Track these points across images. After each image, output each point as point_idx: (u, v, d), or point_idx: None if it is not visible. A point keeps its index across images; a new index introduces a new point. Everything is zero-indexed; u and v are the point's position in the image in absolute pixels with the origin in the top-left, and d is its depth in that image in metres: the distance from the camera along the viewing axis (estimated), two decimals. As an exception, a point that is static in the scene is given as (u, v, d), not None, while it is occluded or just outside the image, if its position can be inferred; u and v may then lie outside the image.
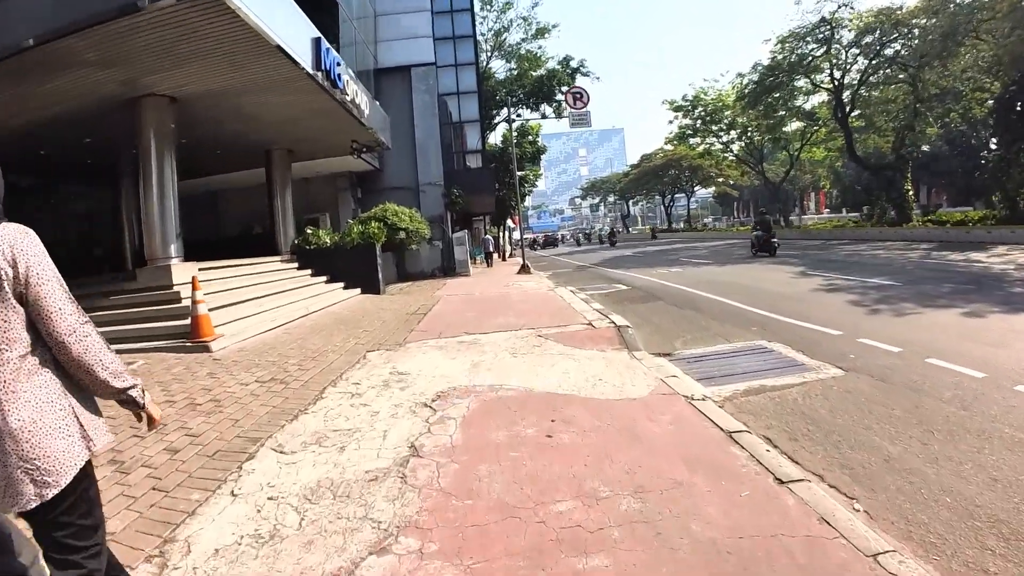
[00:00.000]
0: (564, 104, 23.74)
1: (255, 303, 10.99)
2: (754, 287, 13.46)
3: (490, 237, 45.20)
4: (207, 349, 8.01)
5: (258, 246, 16.32)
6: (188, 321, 8.36)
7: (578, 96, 23.50)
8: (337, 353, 7.74)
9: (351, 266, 15.64)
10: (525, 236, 66.73)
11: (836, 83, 36.89)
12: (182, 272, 10.25)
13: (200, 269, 10.92)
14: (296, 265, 15.63)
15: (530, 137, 33.40)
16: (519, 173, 24.80)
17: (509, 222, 47.00)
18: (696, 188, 78.19)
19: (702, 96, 51.70)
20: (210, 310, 9.21)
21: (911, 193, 38.64)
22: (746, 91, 40.11)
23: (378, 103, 18.07)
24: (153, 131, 10.89)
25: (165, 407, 5.48)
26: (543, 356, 6.94)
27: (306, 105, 12.61)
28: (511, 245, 44.27)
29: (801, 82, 39.56)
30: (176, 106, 11.26)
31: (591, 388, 5.59)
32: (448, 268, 23.01)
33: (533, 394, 5.44)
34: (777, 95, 40.29)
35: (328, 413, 5.15)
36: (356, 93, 13.67)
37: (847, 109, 37.21)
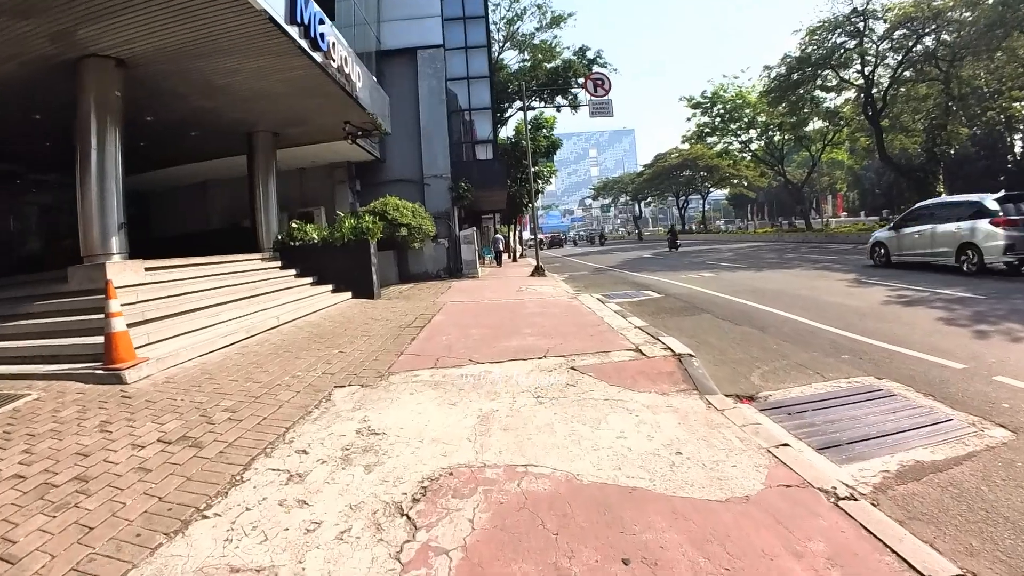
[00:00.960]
0: (584, 92, 21.55)
1: (210, 312, 8.91)
2: (812, 297, 11.32)
3: (500, 236, 43.26)
4: (120, 379, 5.93)
5: (246, 241, 14.31)
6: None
7: (599, 83, 21.37)
8: (293, 389, 5.64)
9: (341, 266, 13.58)
10: (539, 236, 65.00)
11: (866, 79, 34.59)
12: (122, 272, 8.20)
13: (148, 269, 8.88)
14: (279, 264, 13.59)
15: (544, 131, 31.20)
16: (532, 168, 22.67)
17: (520, 220, 44.92)
18: (711, 189, 75.82)
19: (721, 93, 49.47)
20: (142, 323, 7.15)
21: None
22: (773, 84, 37.77)
23: (376, 80, 16.01)
24: (93, 99, 8.82)
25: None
26: (583, 404, 4.82)
27: (284, 74, 10.55)
28: (521, 245, 42.12)
29: (829, 79, 37.26)
30: (124, 72, 9.20)
31: (670, 473, 3.50)
32: (454, 269, 20.93)
33: (580, 488, 3.33)
34: (802, 91, 38.06)
35: (238, 523, 3.06)
36: (346, 60, 11.59)
37: (878, 107, 34.90)
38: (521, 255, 40.03)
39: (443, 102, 21.03)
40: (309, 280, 13.24)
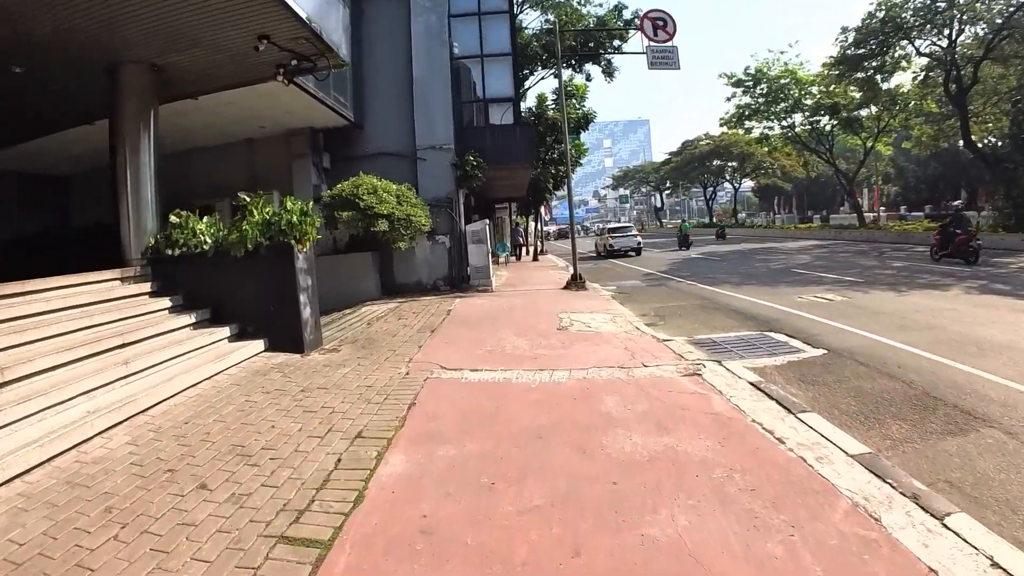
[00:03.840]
0: (642, 36, 15.36)
1: None
2: None
3: (520, 229, 37.12)
4: None
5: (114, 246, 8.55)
6: None
7: (660, 24, 15.26)
8: None
9: (249, 292, 7.72)
10: (547, 228, 57.75)
11: (951, 49, 28.25)
12: None
13: None
14: (148, 288, 7.76)
15: (575, 101, 24.99)
16: (568, 137, 16.62)
17: (542, 209, 38.61)
18: (744, 179, 69.47)
19: (765, 70, 43.04)
20: None
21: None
22: (847, 52, 31.38)
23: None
24: None
25: None
26: None
27: None
28: (541, 240, 35.75)
29: (906, 48, 30.98)
30: None
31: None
32: (458, 279, 14.90)
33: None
34: (875, 63, 31.82)
35: None
36: None
37: (966, 84, 28.55)
38: (542, 251, 33.85)
39: (444, 45, 14.95)
40: (191, 319, 7.42)
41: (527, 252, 32.60)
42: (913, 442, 4.41)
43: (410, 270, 14.64)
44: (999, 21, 26.41)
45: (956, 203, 35.54)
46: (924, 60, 31.28)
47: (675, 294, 13.98)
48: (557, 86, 25.88)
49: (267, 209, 7.55)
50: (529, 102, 27.09)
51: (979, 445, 4.27)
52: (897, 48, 31.22)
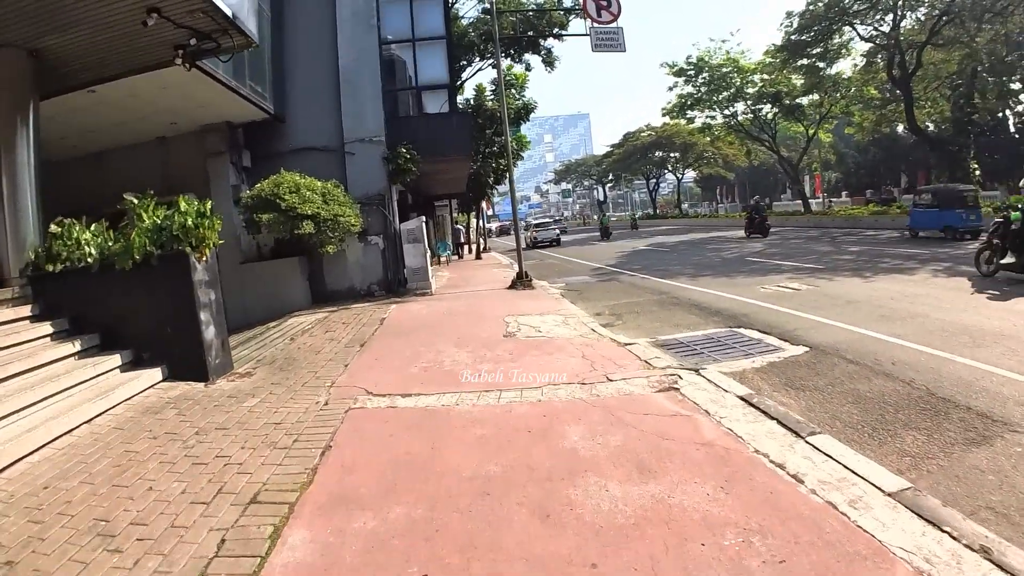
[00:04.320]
0: (586, 17, 14.65)
1: None
2: None
3: (461, 227, 36.15)
4: None
5: None
6: None
7: (604, 4, 14.59)
8: None
9: (142, 312, 6.63)
10: (489, 225, 56.41)
11: (893, 37, 28.73)
12: None
13: None
14: (28, 311, 6.58)
15: (514, 91, 24.14)
16: (507, 127, 15.79)
17: (483, 205, 37.61)
18: (687, 169, 69.99)
19: (707, 59, 43.23)
20: None
21: (978, 173, 31.18)
22: (792, 38, 31.51)
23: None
24: None
25: None
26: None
27: None
28: (482, 237, 34.80)
29: (849, 32, 31.38)
30: None
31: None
32: (394, 282, 13.88)
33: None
34: (819, 50, 32.18)
35: None
36: None
37: (910, 69, 29.09)
38: (485, 249, 32.97)
39: (373, 30, 13.86)
40: (76, 347, 6.29)
41: (470, 251, 31.72)
42: (936, 458, 3.81)
43: (342, 275, 13.57)
44: (940, 6, 26.90)
45: (894, 189, 36.60)
46: (866, 46, 31.95)
47: (629, 289, 13.40)
48: (496, 76, 25.18)
49: (158, 212, 6.46)
50: (467, 93, 26.13)
51: (1010, 456, 3.72)
52: (839, 34, 31.65)
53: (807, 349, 6.71)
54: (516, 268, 14.58)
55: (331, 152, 13.71)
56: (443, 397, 5.47)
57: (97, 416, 5.40)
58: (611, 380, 5.59)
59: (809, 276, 12.59)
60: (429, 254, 14.29)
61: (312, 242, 11.68)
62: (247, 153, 13.77)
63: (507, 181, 29.25)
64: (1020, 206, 10.18)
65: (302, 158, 13.57)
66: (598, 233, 41.51)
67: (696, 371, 5.76)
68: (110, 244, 6.62)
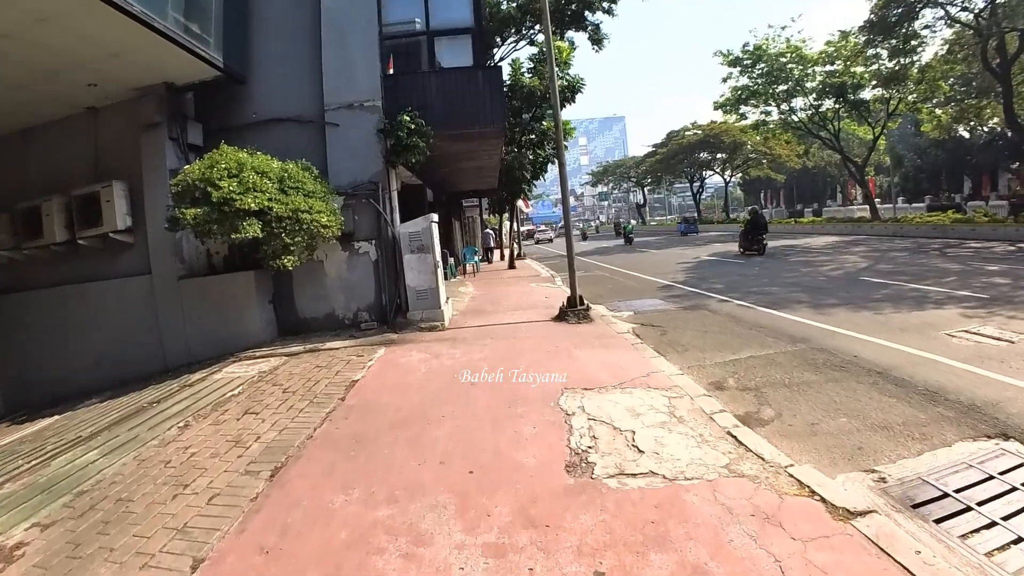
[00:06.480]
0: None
1: None
2: None
3: (491, 230, 31.95)
4: None
5: None
6: None
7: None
8: None
9: None
10: (524, 228, 51.59)
11: (993, 15, 23.90)
12: None
13: None
14: None
15: (558, 69, 19.99)
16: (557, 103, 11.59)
17: (520, 204, 33.11)
18: (737, 170, 65.11)
19: (765, 47, 38.71)
20: None
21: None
22: (881, 10, 26.77)
23: None
24: None
25: None
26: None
27: None
28: (516, 242, 30.15)
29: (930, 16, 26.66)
30: None
31: None
32: (391, 308, 9.78)
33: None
34: (906, 28, 27.40)
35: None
36: None
37: (1010, 55, 24.23)
38: (519, 255, 28.67)
39: (367, -45, 9.86)
40: None
41: (501, 257, 27.57)
42: None
43: (319, 296, 9.58)
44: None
45: (955, 195, 32.23)
46: (948, 32, 27.22)
47: (735, 327, 8.92)
48: (534, 52, 21.09)
49: None
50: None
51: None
52: (922, 17, 26.98)
53: None
54: (564, 287, 10.43)
55: (307, 124, 9.72)
56: None
57: None
58: None
59: (990, 312, 8.24)
60: (441, 269, 10.11)
61: (264, 251, 7.72)
62: (197, 127, 9.95)
63: (543, 177, 25.09)
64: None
65: (270, 132, 9.74)
66: (666, 239, 37.36)
67: None
68: None
